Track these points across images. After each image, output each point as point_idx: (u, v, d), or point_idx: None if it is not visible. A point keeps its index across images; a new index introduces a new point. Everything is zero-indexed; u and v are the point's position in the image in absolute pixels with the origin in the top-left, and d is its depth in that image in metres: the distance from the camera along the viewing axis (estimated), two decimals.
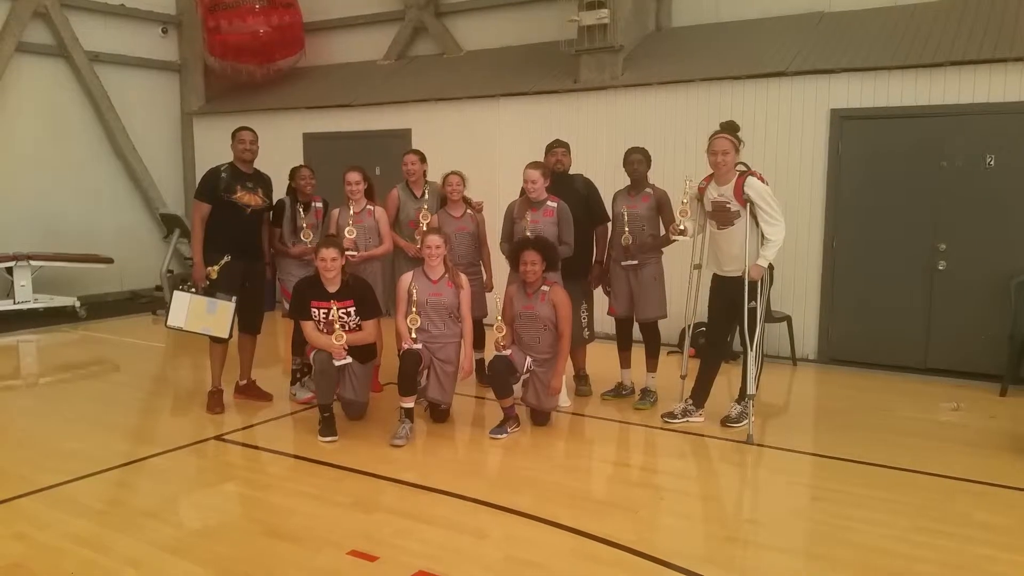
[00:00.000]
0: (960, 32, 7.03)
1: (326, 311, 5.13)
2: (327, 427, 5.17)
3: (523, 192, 5.74)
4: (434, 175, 6.37)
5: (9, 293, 9.27)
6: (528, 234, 5.47)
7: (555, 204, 5.65)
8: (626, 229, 5.71)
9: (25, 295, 9.26)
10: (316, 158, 10.00)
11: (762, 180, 5.09)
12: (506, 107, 8.95)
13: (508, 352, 5.27)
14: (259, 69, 11.04)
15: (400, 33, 10.78)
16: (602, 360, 6.37)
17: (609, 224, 5.96)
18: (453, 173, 6.06)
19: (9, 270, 9.19)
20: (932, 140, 6.82)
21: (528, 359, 5.32)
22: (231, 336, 5.74)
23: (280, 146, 10.05)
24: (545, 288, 5.32)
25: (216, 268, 5.54)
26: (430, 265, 5.32)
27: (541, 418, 5.45)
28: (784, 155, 7.35)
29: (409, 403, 5.13)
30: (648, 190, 5.79)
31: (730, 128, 5.17)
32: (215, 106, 11.53)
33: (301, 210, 6.13)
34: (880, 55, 7.10)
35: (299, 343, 5.95)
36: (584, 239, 5.81)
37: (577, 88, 8.48)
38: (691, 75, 7.84)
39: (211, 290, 5.58)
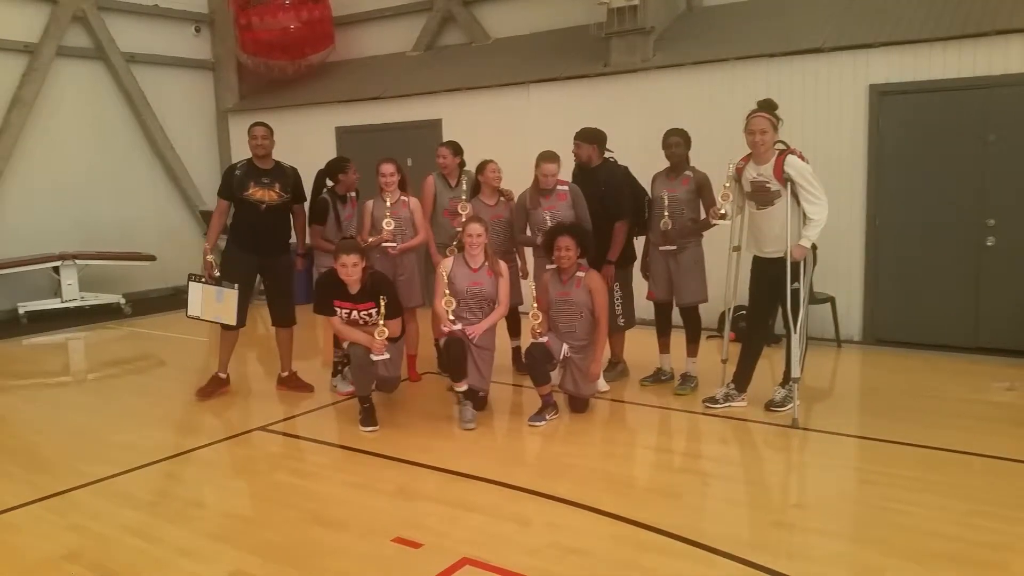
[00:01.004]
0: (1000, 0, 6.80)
1: (347, 311, 5.17)
2: (368, 417, 5.20)
3: (535, 182, 5.77)
4: (468, 163, 6.37)
5: (57, 292, 9.51)
6: (549, 222, 5.53)
7: (566, 187, 5.71)
8: (665, 213, 5.63)
9: (72, 293, 9.50)
10: (349, 151, 10.04)
11: (802, 158, 4.99)
12: (536, 93, 8.90)
13: (545, 339, 5.25)
14: (291, 65, 11.13)
15: (428, 24, 10.77)
16: (640, 345, 6.32)
17: (624, 222, 5.80)
18: (492, 161, 6.07)
19: (56, 269, 9.43)
20: (978, 113, 6.62)
21: (564, 346, 5.30)
22: (241, 324, 5.86)
23: (313, 140, 10.14)
24: (580, 274, 5.29)
25: (212, 258, 5.68)
26: (471, 254, 5.31)
27: (579, 405, 5.42)
28: (823, 133, 7.19)
29: (463, 386, 5.20)
30: (688, 173, 5.70)
31: (768, 106, 5.07)
32: (249, 103, 11.66)
33: (340, 205, 6.13)
34: (920, 27, 6.91)
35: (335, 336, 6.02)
36: (596, 234, 5.62)
37: (608, 72, 8.39)
38: (724, 54, 7.71)
39: (219, 280, 5.70)
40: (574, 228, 5.32)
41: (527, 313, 5.42)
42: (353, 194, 6.24)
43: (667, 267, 5.78)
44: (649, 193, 5.90)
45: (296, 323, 6.15)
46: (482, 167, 6.05)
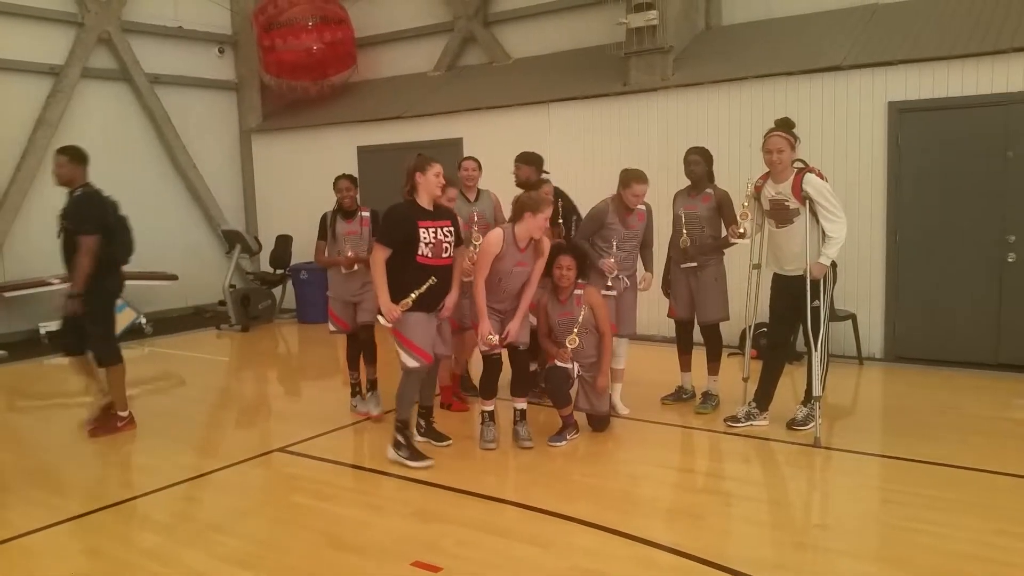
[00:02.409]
0: (1022, 17, 6.76)
1: (434, 230, 4.76)
2: (415, 450, 4.90)
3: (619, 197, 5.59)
4: (487, 182, 6.36)
5: None
6: (623, 241, 5.57)
7: (644, 207, 5.68)
8: (684, 231, 5.62)
9: None
10: (370, 170, 10.15)
11: (820, 176, 4.98)
12: (556, 112, 8.94)
13: (569, 364, 5.25)
14: (313, 85, 11.26)
15: (449, 44, 10.87)
16: (662, 363, 6.29)
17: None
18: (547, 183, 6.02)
19: None
20: (997, 129, 6.57)
21: (576, 365, 5.29)
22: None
23: (335, 160, 10.23)
24: (578, 292, 5.27)
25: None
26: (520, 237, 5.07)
27: (600, 424, 5.40)
28: (842, 150, 7.16)
29: (490, 406, 5.18)
30: (709, 191, 5.68)
31: (785, 125, 5.06)
32: (272, 123, 11.80)
33: (340, 220, 6.00)
34: (938, 45, 6.88)
35: (354, 358, 6.04)
36: None
37: (627, 91, 8.41)
38: (743, 73, 7.71)
39: None
40: (574, 248, 5.38)
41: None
42: (366, 214, 6.02)
43: (688, 285, 5.76)
44: (673, 212, 5.87)
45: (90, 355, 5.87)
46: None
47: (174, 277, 10.29)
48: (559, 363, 5.26)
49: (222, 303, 10.50)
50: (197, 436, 5.97)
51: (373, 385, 5.99)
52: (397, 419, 4.90)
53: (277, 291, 10.76)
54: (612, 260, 5.52)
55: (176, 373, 8.20)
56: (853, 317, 7.08)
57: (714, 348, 5.84)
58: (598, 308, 5.27)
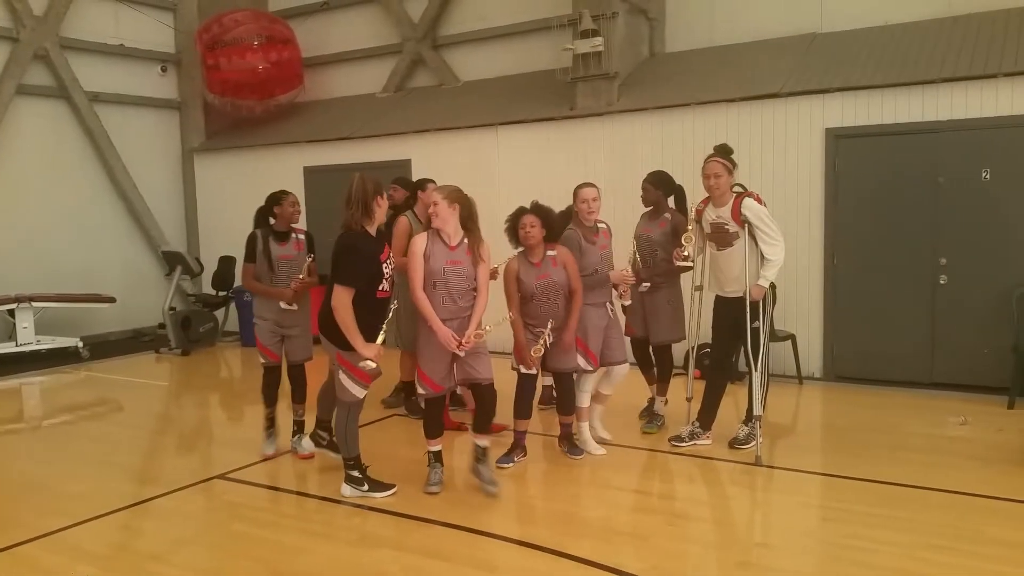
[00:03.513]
0: (950, 49, 7.09)
1: (387, 262, 4.60)
2: (375, 481, 4.77)
3: (576, 218, 5.48)
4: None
5: (11, 335, 9.27)
6: (600, 261, 5.38)
7: (670, 216, 5.61)
8: (635, 252, 5.66)
9: (27, 337, 9.26)
10: (317, 191, 10.07)
11: (759, 201, 5.11)
12: (505, 135, 9.01)
13: (535, 371, 5.17)
14: (259, 105, 11.13)
15: (398, 65, 10.89)
16: (629, 384, 6.27)
17: None
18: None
19: (11, 312, 9.19)
20: (928, 156, 6.84)
21: (548, 327, 5.06)
22: None
23: (281, 180, 10.04)
24: (551, 253, 5.13)
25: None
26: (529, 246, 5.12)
27: (574, 450, 5.35)
28: (781, 175, 7.37)
29: (438, 446, 4.84)
30: (666, 215, 5.75)
31: (722, 151, 5.21)
32: (216, 142, 11.62)
33: (273, 241, 5.48)
34: (873, 74, 7.15)
35: (274, 393, 5.56)
36: None
37: (574, 115, 8.54)
38: (686, 99, 7.89)
39: None
40: (536, 207, 5.14)
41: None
42: (301, 236, 5.63)
43: (642, 306, 5.83)
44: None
45: None
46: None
47: (112, 299, 10.02)
48: (524, 370, 5.14)
49: (162, 326, 10.24)
50: (135, 463, 5.79)
51: (301, 427, 5.61)
52: (347, 457, 4.69)
53: (220, 313, 10.55)
54: (626, 271, 5.41)
55: (114, 398, 7.95)
56: (792, 337, 7.25)
57: (664, 369, 5.92)
58: (569, 265, 5.14)
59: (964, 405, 6.31)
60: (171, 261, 10.58)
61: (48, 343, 9.42)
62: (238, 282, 10.13)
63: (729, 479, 4.98)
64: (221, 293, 10.40)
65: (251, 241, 5.47)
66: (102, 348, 9.94)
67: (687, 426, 5.56)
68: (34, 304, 9.29)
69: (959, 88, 6.70)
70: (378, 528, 4.32)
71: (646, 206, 5.83)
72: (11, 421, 7.29)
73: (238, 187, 10.96)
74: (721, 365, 5.56)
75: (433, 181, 6.08)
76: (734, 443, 5.38)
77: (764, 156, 7.43)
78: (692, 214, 5.36)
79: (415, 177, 7.40)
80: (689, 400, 5.72)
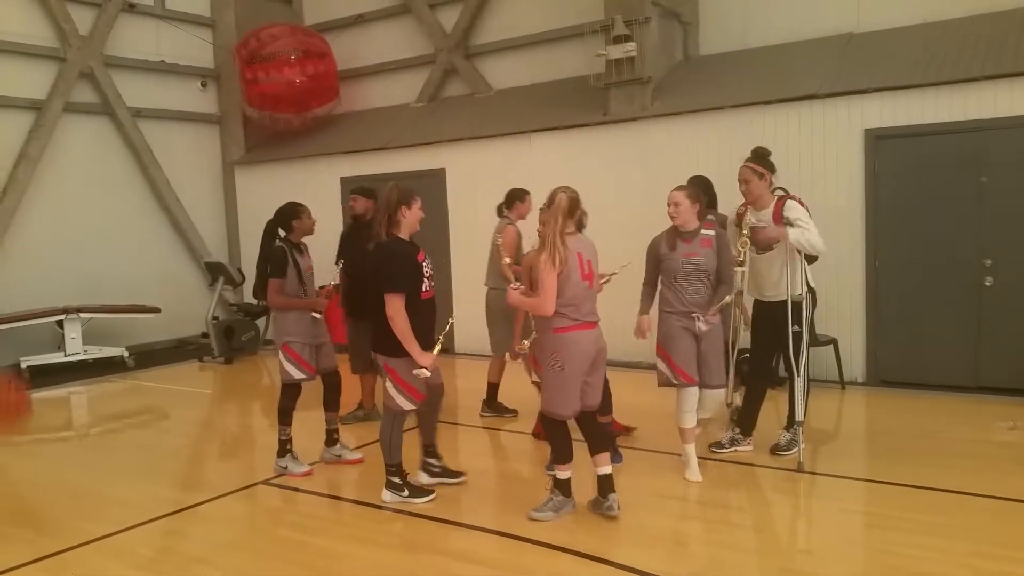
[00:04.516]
0: (991, 46, 6.95)
1: (426, 263, 4.68)
2: (416, 487, 4.80)
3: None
4: (466, 211, 6.44)
5: (60, 346, 9.53)
6: (683, 271, 4.87)
7: (712, 232, 4.98)
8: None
9: (75, 347, 9.51)
10: None
11: (801, 204, 5.06)
12: (538, 142, 9.04)
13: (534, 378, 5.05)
14: (296, 117, 11.32)
15: (431, 76, 10.99)
16: (647, 392, 6.24)
17: None
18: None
19: (59, 323, 9.45)
20: (970, 155, 6.71)
21: (698, 323, 4.80)
22: None
23: (318, 191, 10.26)
24: (707, 232, 4.89)
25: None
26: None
27: (615, 456, 5.14)
28: (820, 177, 7.28)
29: (566, 472, 4.41)
30: (710, 217, 5.73)
31: (757, 156, 5.16)
32: (255, 155, 11.83)
33: (297, 254, 5.49)
34: (912, 73, 7.04)
35: (291, 410, 5.46)
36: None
37: (607, 120, 8.53)
38: (721, 102, 7.84)
39: None
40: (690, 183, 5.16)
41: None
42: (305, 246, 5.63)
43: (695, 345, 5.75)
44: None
45: None
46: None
47: (157, 310, 10.24)
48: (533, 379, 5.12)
49: (205, 335, 10.44)
50: (180, 469, 5.92)
51: (335, 435, 5.65)
52: (389, 464, 4.71)
53: (261, 322, 10.72)
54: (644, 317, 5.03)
55: (158, 406, 8.12)
56: (834, 342, 7.14)
57: None
58: (724, 250, 4.92)
59: (1012, 409, 6.17)
60: (213, 272, 10.79)
61: (95, 353, 9.66)
62: None
63: (770, 485, 4.93)
64: (262, 302, 10.53)
65: (282, 255, 5.37)
66: (147, 357, 10.16)
67: (727, 432, 5.51)
68: (81, 315, 9.54)
69: (1002, 85, 6.56)
70: (419, 533, 4.36)
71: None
72: (60, 429, 7.50)
73: (277, 198, 10.91)
74: (761, 370, 5.50)
75: (528, 192, 6.30)
76: (775, 449, 5.32)
77: (802, 158, 7.34)
78: (733, 218, 5.32)
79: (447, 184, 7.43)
80: (729, 406, 5.66)
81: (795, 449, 5.15)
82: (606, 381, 4.76)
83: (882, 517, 4.31)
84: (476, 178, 9.28)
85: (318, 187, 10.45)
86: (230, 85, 11.71)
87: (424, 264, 4.60)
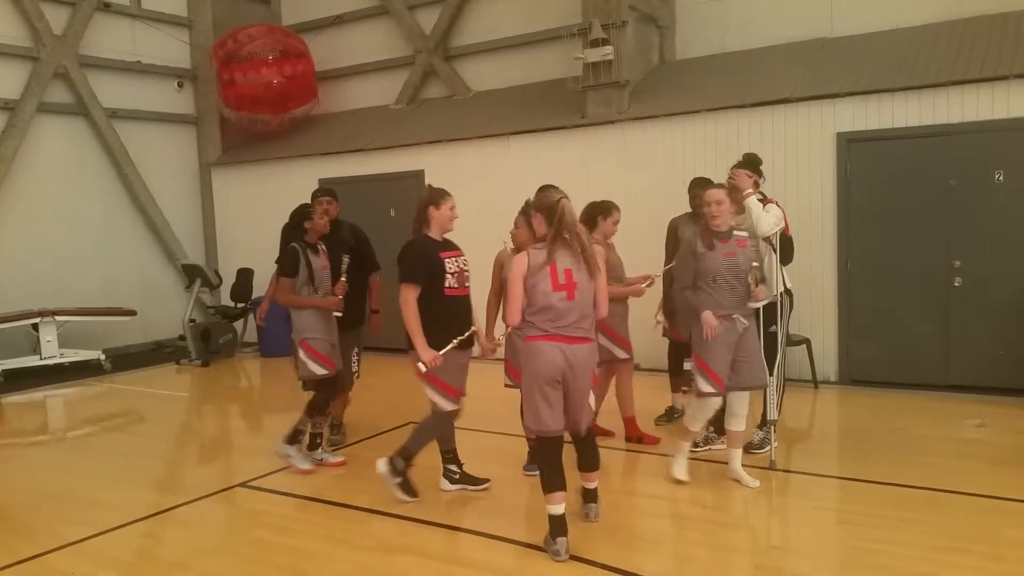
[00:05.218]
0: (961, 52, 7.10)
1: (454, 260, 4.66)
2: (409, 485, 4.81)
3: (702, 223, 4.95)
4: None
5: (35, 349, 9.43)
6: (724, 271, 4.68)
7: (745, 233, 4.86)
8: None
9: (51, 350, 9.42)
10: None
11: (779, 207, 5.14)
12: (516, 144, 9.08)
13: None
14: (274, 118, 11.28)
15: (410, 77, 11.01)
16: (648, 388, 6.29)
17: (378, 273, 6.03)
18: (617, 209, 5.62)
19: (35, 326, 9.35)
20: (940, 159, 6.85)
21: (738, 322, 4.70)
22: None
23: (296, 192, 10.17)
24: (740, 233, 4.79)
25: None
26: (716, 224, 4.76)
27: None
28: (794, 180, 7.39)
29: (559, 506, 4.01)
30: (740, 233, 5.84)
31: (750, 163, 5.27)
32: (232, 156, 11.77)
33: (311, 254, 5.48)
34: (883, 78, 7.17)
35: (328, 407, 5.50)
36: (359, 286, 5.81)
37: (585, 123, 8.60)
38: (697, 106, 7.94)
39: None
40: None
41: None
42: (322, 247, 5.61)
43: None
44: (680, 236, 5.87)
45: None
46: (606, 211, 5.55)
47: (132, 312, 10.16)
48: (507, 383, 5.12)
49: (182, 338, 10.38)
50: (158, 472, 5.89)
51: (340, 425, 5.81)
52: (409, 451, 4.72)
53: (239, 325, 10.67)
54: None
55: (136, 410, 8.07)
56: (807, 342, 7.25)
57: None
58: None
59: (981, 407, 6.31)
60: (190, 274, 10.72)
61: (71, 356, 9.58)
62: (256, 293, 10.24)
63: (744, 484, 4.99)
64: (239, 305, 10.51)
65: (294, 254, 5.37)
66: (124, 360, 10.08)
67: (702, 431, 5.57)
68: (57, 318, 9.45)
69: (970, 90, 6.71)
70: (397, 535, 4.38)
71: (699, 212, 5.62)
72: (36, 433, 7.43)
73: (255, 200, 11.11)
74: None
75: (616, 206, 5.65)
76: (749, 448, 5.38)
77: (776, 162, 7.42)
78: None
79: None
80: None
81: (768, 447, 5.23)
82: None
83: (854, 514, 4.39)
84: (455, 180, 9.17)
85: (296, 189, 10.32)
86: (207, 86, 11.65)
87: (449, 261, 4.59)
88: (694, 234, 4.92)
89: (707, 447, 5.47)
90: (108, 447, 6.64)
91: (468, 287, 4.68)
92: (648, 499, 4.89)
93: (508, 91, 10.12)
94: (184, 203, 11.76)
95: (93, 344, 9.91)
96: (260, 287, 10.26)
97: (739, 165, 5.24)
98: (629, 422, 5.75)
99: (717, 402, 4.80)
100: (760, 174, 5.24)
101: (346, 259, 5.54)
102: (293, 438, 5.46)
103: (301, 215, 5.57)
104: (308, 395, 5.52)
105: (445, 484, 4.95)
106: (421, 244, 4.63)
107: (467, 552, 4.11)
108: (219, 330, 10.27)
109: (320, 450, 5.58)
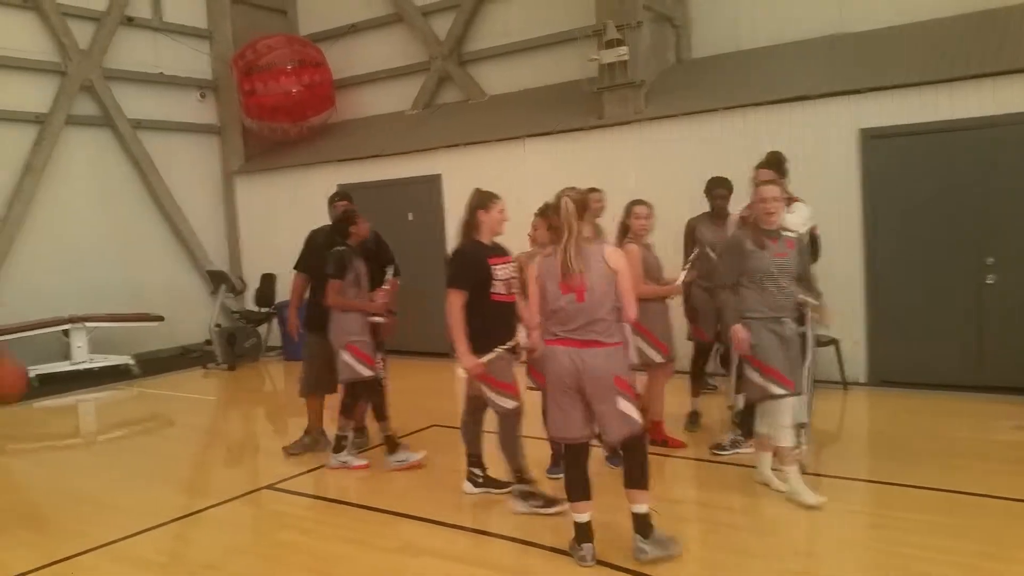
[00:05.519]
0: (986, 44, 6.96)
1: (503, 266, 4.56)
2: (545, 496, 4.58)
3: (747, 218, 4.84)
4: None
5: (66, 354, 9.59)
6: (775, 271, 4.50)
7: (793, 233, 4.70)
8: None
9: (81, 356, 9.58)
10: None
11: (804, 204, 5.13)
12: (532, 147, 9.09)
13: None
14: (293, 127, 11.40)
15: (426, 83, 11.06)
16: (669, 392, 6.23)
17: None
18: (641, 204, 5.50)
19: (66, 332, 9.52)
20: (968, 153, 6.72)
21: (788, 326, 4.52)
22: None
23: (316, 198, 10.28)
24: (789, 233, 4.59)
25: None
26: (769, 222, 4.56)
27: (615, 460, 5.00)
28: (816, 178, 7.26)
29: (585, 514, 3.93)
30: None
31: (775, 162, 5.23)
32: (254, 164, 11.90)
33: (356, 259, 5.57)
34: (906, 72, 7.07)
35: (348, 406, 5.62)
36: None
37: (601, 124, 8.58)
38: (714, 104, 7.88)
39: None
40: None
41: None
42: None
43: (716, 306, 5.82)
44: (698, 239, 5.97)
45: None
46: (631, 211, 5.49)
47: (160, 318, 10.31)
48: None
49: (208, 342, 10.52)
50: (186, 475, 5.98)
51: (363, 428, 5.85)
52: (513, 468, 4.63)
53: (263, 329, 10.78)
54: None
55: (164, 413, 8.18)
56: (836, 342, 7.12)
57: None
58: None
59: (1015, 408, 6.17)
60: (215, 280, 10.86)
61: (101, 361, 9.74)
62: (279, 298, 10.35)
63: (773, 487, 4.93)
64: (264, 309, 10.63)
65: (343, 258, 5.44)
66: (152, 365, 10.21)
67: (728, 434, 5.53)
68: (87, 324, 9.61)
69: (997, 82, 6.55)
70: (420, 537, 4.39)
71: (720, 211, 5.89)
72: (68, 437, 7.57)
73: (277, 206, 11.23)
74: None
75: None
76: (718, 449, 5.35)
77: (797, 159, 7.27)
78: (737, 220, 5.38)
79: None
80: (731, 408, 5.70)
81: (798, 450, 5.15)
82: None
83: (886, 518, 4.31)
84: (471, 184, 8.99)
85: (316, 195, 10.45)
86: (228, 96, 11.79)
87: (498, 267, 4.54)
88: (743, 231, 4.73)
89: (734, 450, 5.40)
90: (138, 450, 6.74)
91: (515, 294, 4.59)
92: (674, 504, 4.83)
93: (523, 94, 10.13)
94: (208, 210, 11.91)
95: (122, 349, 10.06)
96: (283, 292, 10.40)
97: (762, 164, 5.21)
98: (655, 426, 5.68)
99: (790, 403, 4.51)
100: (784, 173, 5.19)
101: (390, 269, 5.59)
102: (338, 447, 5.57)
103: (346, 220, 5.64)
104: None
105: (468, 487, 4.94)
106: (471, 250, 4.57)
107: (491, 555, 4.11)
108: (244, 334, 10.40)
109: (344, 452, 5.62)
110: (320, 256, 5.64)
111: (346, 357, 5.43)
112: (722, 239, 5.65)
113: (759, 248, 4.51)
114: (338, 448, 5.58)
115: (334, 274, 5.42)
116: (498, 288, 4.51)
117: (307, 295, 5.99)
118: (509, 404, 4.56)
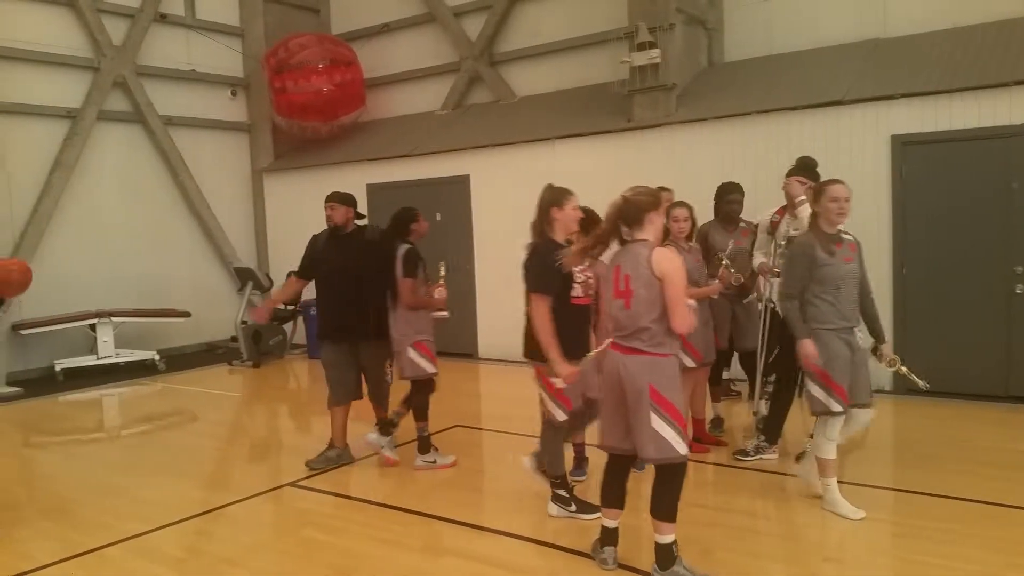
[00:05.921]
0: (1020, 51, 6.86)
1: (581, 267, 4.31)
2: (582, 500, 4.56)
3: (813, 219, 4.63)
4: (490, 218, 6.45)
5: (92, 349, 9.72)
6: (850, 279, 4.45)
7: (852, 236, 4.57)
8: (731, 265, 5.52)
9: (107, 350, 9.70)
10: (379, 207, 10.28)
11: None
12: (562, 149, 9.07)
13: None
14: (323, 125, 11.47)
15: (456, 83, 11.08)
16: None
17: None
18: (680, 206, 5.47)
19: (92, 327, 9.65)
20: (1000, 161, 6.63)
21: (857, 336, 4.47)
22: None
23: None
24: (849, 236, 4.47)
25: None
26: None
27: (637, 464, 4.97)
28: (847, 183, 7.20)
29: (612, 520, 3.92)
30: (743, 224, 5.96)
31: (805, 167, 5.19)
32: (283, 162, 12.00)
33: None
34: (940, 78, 6.98)
35: (423, 407, 5.58)
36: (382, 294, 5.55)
37: (632, 127, 8.54)
38: (746, 108, 7.82)
39: None
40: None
41: None
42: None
43: (734, 315, 5.89)
44: (711, 245, 5.94)
45: None
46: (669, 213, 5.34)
47: (187, 314, 10.41)
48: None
49: (234, 339, 10.60)
50: (209, 471, 6.01)
51: (429, 440, 5.65)
52: (554, 477, 4.54)
53: (288, 327, 10.84)
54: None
55: (189, 409, 8.25)
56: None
57: (754, 374, 5.89)
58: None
59: None
60: (242, 277, 10.95)
61: (127, 356, 9.86)
62: (305, 297, 10.37)
63: (796, 494, 4.89)
64: (289, 307, 10.69)
65: (415, 256, 5.40)
66: (177, 361, 10.33)
67: (752, 440, 5.48)
68: (113, 319, 9.73)
69: None
70: (443, 537, 4.40)
71: (735, 217, 5.96)
72: (93, 431, 7.65)
73: (305, 205, 11.25)
74: (788, 378, 5.46)
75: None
76: (801, 458, 5.27)
77: (828, 165, 7.19)
78: (767, 225, 5.34)
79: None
80: (755, 414, 5.65)
81: (759, 457, 5.17)
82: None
83: (911, 526, 4.27)
84: (500, 185, 9.33)
85: None
86: (259, 94, 11.89)
87: (577, 268, 4.28)
88: (807, 238, 4.54)
89: (758, 456, 5.36)
90: (162, 445, 6.80)
91: (591, 295, 4.38)
92: (696, 509, 4.79)
93: (553, 96, 10.12)
94: (237, 207, 12.02)
95: (148, 344, 10.18)
96: (309, 290, 10.43)
97: (793, 171, 5.16)
98: (695, 424, 5.62)
99: (842, 419, 4.42)
100: (816, 178, 5.14)
101: (442, 265, 5.56)
102: (423, 446, 5.57)
103: (407, 218, 5.58)
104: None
105: (552, 509, 4.59)
106: (550, 252, 4.21)
107: (514, 556, 4.09)
108: (269, 332, 10.46)
109: (430, 452, 5.58)
110: (371, 254, 5.52)
111: (413, 355, 5.41)
112: (739, 244, 5.78)
113: (829, 255, 4.38)
114: (424, 448, 5.55)
115: (408, 272, 5.34)
116: (577, 291, 4.30)
117: (312, 303, 5.91)
118: (561, 417, 4.42)
